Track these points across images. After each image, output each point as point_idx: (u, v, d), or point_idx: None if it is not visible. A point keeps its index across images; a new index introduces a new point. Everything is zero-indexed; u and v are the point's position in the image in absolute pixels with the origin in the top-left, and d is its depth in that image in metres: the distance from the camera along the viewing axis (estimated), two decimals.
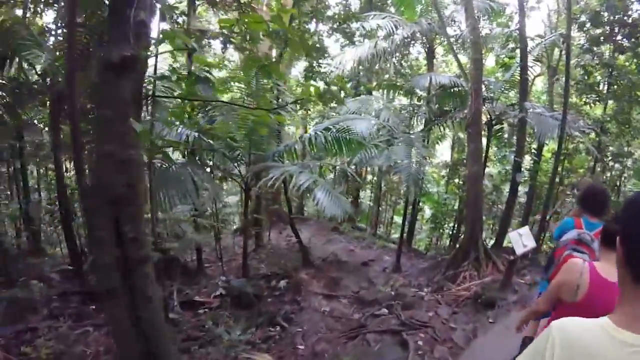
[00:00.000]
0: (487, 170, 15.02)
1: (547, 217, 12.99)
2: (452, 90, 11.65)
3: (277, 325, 8.07)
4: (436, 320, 7.59)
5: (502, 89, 12.01)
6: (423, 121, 12.85)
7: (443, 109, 12.22)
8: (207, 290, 9.44)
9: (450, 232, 16.16)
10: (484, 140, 12.82)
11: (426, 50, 14.70)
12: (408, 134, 11.00)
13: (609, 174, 14.50)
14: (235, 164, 9.27)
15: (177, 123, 7.70)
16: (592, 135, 13.47)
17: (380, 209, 19.56)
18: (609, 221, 2.86)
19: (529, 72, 12.20)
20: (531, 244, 7.28)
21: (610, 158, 14.18)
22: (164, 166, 7.56)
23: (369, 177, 20.00)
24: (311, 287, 10.40)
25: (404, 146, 10.10)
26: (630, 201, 1.33)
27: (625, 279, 1.28)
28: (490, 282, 8.68)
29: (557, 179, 14.09)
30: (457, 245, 10.44)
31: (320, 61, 14.71)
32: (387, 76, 17.01)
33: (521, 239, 7.15)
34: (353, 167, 14.37)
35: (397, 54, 15.02)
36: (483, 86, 11.92)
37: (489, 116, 12.14)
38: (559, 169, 14.10)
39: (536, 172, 12.50)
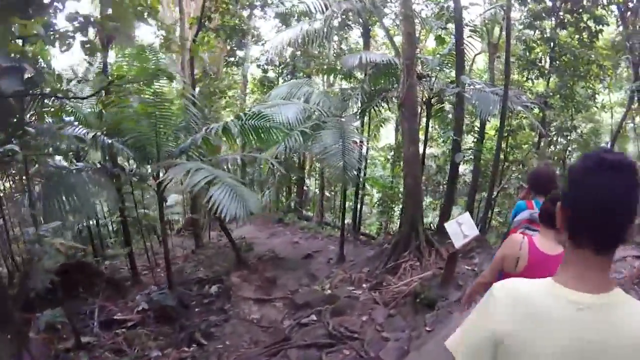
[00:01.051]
0: (431, 151, 14.01)
1: (495, 195, 12.12)
2: (387, 69, 10.38)
3: (196, 342, 6.82)
4: (369, 326, 6.57)
5: (440, 65, 10.85)
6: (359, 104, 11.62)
7: (377, 89, 10.95)
8: (133, 304, 8.28)
9: (399, 215, 15.05)
10: (424, 120, 11.81)
11: (361, 30, 13.37)
12: (339, 117, 9.74)
13: (554, 149, 13.58)
14: (145, 163, 7.90)
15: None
16: (536, 110, 12.51)
17: (328, 195, 18.33)
18: (546, 201, 2.89)
19: (469, 48, 11.26)
20: (473, 232, 6.22)
21: (554, 133, 13.31)
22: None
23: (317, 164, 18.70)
24: (242, 292, 9.34)
25: (333, 131, 8.86)
26: (571, 173, 1.34)
27: (568, 242, 1.32)
28: (431, 276, 7.63)
29: (502, 156, 13.26)
30: (398, 233, 9.28)
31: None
32: (327, 60, 15.65)
33: (461, 229, 6.05)
34: (294, 154, 13.10)
35: (336, 36, 13.69)
36: (419, 63, 10.86)
37: (427, 95, 10.99)
38: (504, 145, 13.24)
39: (479, 151, 11.48)
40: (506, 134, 13.19)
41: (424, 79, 10.79)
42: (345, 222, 12.82)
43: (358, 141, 9.48)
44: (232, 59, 12.53)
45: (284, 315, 8.15)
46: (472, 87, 10.63)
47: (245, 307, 8.59)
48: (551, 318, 1.22)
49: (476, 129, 13.10)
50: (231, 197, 6.50)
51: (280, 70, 16.29)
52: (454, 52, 10.24)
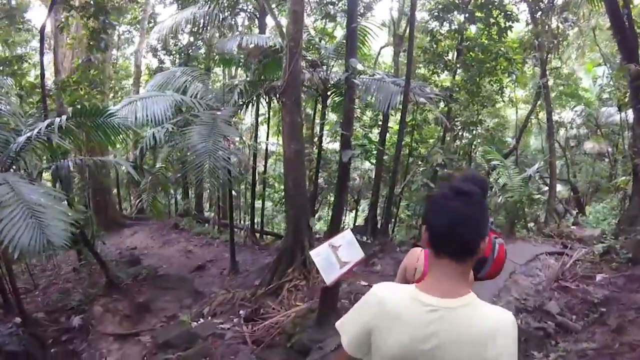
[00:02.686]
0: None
1: (400, 190, 11.03)
2: (276, 55, 8.49)
3: None
4: None
5: (337, 53, 9.12)
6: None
7: (264, 79, 9.04)
8: None
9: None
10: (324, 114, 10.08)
11: (257, 15, 11.35)
12: (215, 111, 7.74)
13: (459, 143, 12.33)
14: None
15: None
16: (442, 105, 11.09)
17: (234, 193, 16.23)
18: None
19: (372, 38, 9.68)
20: (354, 256, 4.45)
21: (460, 127, 12.04)
22: None
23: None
24: (103, 325, 7.23)
25: (202, 127, 6.92)
26: (430, 199, 1.62)
27: (430, 255, 1.49)
28: (306, 310, 5.81)
29: (407, 151, 11.85)
30: (282, 244, 7.48)
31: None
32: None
33: (336, 254, 4.26)
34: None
35: (229, 22, 11.62)
36: (315, 51, 9.09)
37: (322, 85, 9.23)
38: (408, 140, 11.83)
39: (382, 144, 9.94)
40: (411, 128, 11.84)
41: (319, 68, 9.01)
42: (247, 223, 11.00)
43: (237, 138, 7.51)
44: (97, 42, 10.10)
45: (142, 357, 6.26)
46: (372, 77, 9.01)
47: (104, 347, 6.66)
48: (402, 317, 1.40)
49: (379, 122, 11.53)
50: (25, 223, 4.37)
51: (174, 60, 13.96)
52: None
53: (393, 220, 12.64)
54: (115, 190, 14.71)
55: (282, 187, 14.41)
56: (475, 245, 1.42)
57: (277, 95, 7.42)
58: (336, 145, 13.53)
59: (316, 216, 14.31)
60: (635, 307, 5.83)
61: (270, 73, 9.23)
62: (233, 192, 15.90)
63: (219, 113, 7.53)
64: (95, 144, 9.36)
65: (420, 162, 11.63)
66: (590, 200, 17.09)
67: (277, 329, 5.59)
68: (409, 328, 1.37)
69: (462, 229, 1.40)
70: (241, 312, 6.72)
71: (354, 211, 15.64)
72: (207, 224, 13.76)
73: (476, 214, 1.44)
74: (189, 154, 6.99)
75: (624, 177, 11.11)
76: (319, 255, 4.17)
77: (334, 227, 7.35)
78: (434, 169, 10.18)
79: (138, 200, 9.64)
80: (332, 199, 14.55)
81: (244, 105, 8.78)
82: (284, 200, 14.05)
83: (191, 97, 8.23)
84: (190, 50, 12.91)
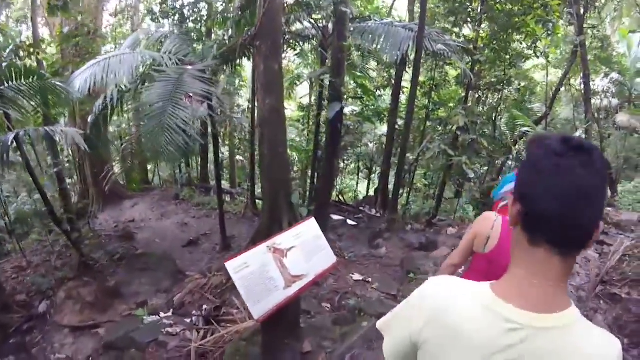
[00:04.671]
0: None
1: (415, 158, 9.27)
2: None
3: None
4: None
5: None
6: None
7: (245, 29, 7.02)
8: None
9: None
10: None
11: None
12: (187, 65, 5.84)
13: (482, 108, 10.16)
14: None
15: None
16: (466, 60, 8.90)
17: (243, 159, 14.52)
18: None
19: None
20: (318, 263, 2.69)
21: (484, 89, 9.87)
22: None
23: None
24: (63, 314, 5.65)
25: (163, 84, 5.10)
26: (530, 158, 0.96)
27: (520, 241, 0.95)
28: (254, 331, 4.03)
29: (424, 114, 9.82)
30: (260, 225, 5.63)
31: None
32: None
33: (280, 264, 2.45)
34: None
35: None
36: None
37: (321, 36, 7.17)
38: (426, 102, 9.77)
39: (395, 105, 7.93)
40: (429, 89, 9.75)
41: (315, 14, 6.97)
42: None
43: (213, 99, 5.61)
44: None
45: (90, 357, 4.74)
46: (378, 21, 6.94)
47: (57, 340, 5.18)
48: (468, 335, 0.93)
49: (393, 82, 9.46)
50: None
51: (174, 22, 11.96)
52: None
53: (407, 191, 10.73)
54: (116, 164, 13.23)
55: (296, 154, 12.77)
56: (593, 231, 0.89)
57: (250, 40, 5.47)
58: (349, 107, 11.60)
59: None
60: None
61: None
62: (224, 154, 14.37)
63: (188, 68, 5.65)
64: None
65: (438, 127, 9.57)
66: (620, 178, 14.68)
67: (227, 343, 3.85)
68: (476, 351, 0.91)
69: (582, 206, 0.87)
70: (205, 307, 5.03)
71: (367, 181, 13.68)
72: (205, 196, 12.09)
73: (602, 184, 0.89)
74: (142, 116, 5.21)
75: None
76: (245, 267, 2.32)
77: (321, 203, 5.49)
78: (455, 134, 8.17)
79: (109, 173, 7.97)
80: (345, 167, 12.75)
81: (226, 61, 6.81)
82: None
83: (165, 53, 6.37)
84: (187, 10, 10.91)
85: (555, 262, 0.91)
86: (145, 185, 13.39)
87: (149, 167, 14.13)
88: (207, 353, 3.91)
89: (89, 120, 6.44)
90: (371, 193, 12.19)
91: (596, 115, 15.05)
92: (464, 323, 0.93)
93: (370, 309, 4.18)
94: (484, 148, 9.06)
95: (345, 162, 11.69)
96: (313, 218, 2.75)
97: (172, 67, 5.83)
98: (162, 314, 5.32)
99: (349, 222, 8.39)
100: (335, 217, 8.49)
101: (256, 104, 7.21)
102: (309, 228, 2.68)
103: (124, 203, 12.31)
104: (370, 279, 5.33)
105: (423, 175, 11.80)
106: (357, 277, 5.33)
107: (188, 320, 4.98)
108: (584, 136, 10.15)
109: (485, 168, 10.15)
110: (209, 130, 9.17)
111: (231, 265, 2.22)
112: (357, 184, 13.58)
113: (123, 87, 5.86)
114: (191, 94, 5.22)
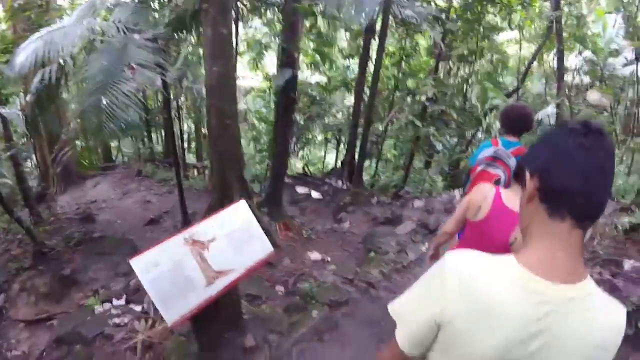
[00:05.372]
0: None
1: (383, 128, 8.96)
2: None
3: None
4: None
5: None
6: None
7: None
8: None
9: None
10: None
11: None
12: (136, 34, 5.19)
13: (453, 80, 9.80)
14: None
15: None
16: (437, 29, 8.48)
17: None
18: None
19: None
20: (249, 254, 2.47)
21: (455, 61, 9.49)
22: None
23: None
24: (17, 307, 5.07)
25: (107, 55, 4.51)
26: (550, 137, 1.02)
27: (538, 215, 0.98)
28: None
29: (393, 84, 9.42)
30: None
31: None
32: None
33: (199, 259, 2.06)
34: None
35: None
36: None
37: None
38: (395, 72, 9.34)
39: (361, 74, 7.45)
40: (399, 58, 9.29)
41: None
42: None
43: (168, 70, 5.00)
44: None
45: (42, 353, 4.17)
46: None
47: (12, 336, 4.65)
48: (499, 309, 0.92)
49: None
50: None
51: None
52: None
53: (376, 161, 10.42)
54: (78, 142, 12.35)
55: (263, 125, 12.20)
56: (606, 203, 0.98)
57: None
58: (316, 76, 11.02)
59: (296, 157, 12.03)
60: None
61: None
62: (189, 127, 13.65)
63: (136, 36, 5.02)
64: None
65: (407, 97, 9.17)
66: None
67: (174, 334, 3.48)
68: (508, 324, 0.92)
69: (602, 183, 0.95)
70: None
71: (336, 152, 13.19)
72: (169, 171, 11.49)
73: (613, 164, 0.98)
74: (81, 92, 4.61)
75: None
76: (156, 265, 1.92)
77: (275, 176, 5.06)
78: (423, 104, 7.79)
79: (59, 154, 7.31)
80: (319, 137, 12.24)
81: (180, 28, 6.11)
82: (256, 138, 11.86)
83: (113, 22, 5.67)
84: None
85: (576, 234, 0.95)
86: (107, 164, 12.58)
87: (112, 144, 13.36)
88: (154, 345, 3.54)
89: (28, 99, 5.76)
90: (340, 165, 11.82)
91: (567, 91, 14.91)
92: (495, 295, 0.92)
93: (324, 295, 3.83)
94: (453, 120, 8.75)
95: (312, 133, 11.21)
96: (243, 201, 2.32)
97: (117, 37, 5.20)
98: (115, 301, 4.89)
99: (314, 195, 8.01)
100: (300, 190, 8.11)
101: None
102: (239, 213, 2.27)
103: (85, 183, 11.61)
104: (329, 258, 4.99)
105: (393, 146, 11.46)
106: (315, 256, 4.97)
107: (139, 308, 4.58)
108: (555, 111, 9.95)
109: (455, 139, 9.89)
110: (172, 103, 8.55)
111: (138, 264, 1.81)
112: (325, 155, 13.11)
113: (63, 62, 5.21)
114: (134, 65, 4.64)
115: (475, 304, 0.93)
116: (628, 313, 1.01)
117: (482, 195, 2.22)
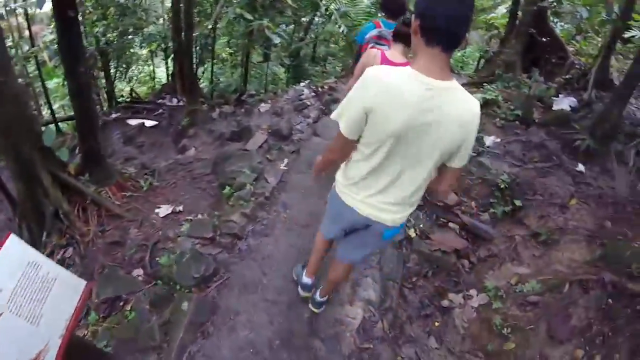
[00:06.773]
0: None
1: (211, 26, 7.64)
2: None
3: None
4: None
5: None
6: None
7: None
8: None
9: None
10: None
11: None
12: None
13: None
14: None
15: None
16: None
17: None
18: (400, 23, 2.87)
19: None
20: (58, 318, 1.57)
21: None
22: None
23: None
24: None
25: None
26: None
27: (420, 45, 1.46)
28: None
29: None
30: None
31: None
32: None
33: None
34: None
35: None
36: None
37: None
38: None
39: None
40: None
41: None
42: None
43: None
44: None
45: None
46: None
47: None
48: (405, 95, 1.43)
49: None
50: None
51: None
52: None
53: (211, 63, 9.39)
54: None
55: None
56: (463, 39, 1.45)
57: None
58: None
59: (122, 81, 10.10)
60: (555, 200, 3.97)
61: None
62: None
63: None
64: None
65: None
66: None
67: None
68: (411, 103, 1.43)
69: (462, 24, 1.41)
70: None
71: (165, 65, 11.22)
72: None
73: (472, 11, 1.43)
74: None
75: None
76: None
77: (84, 128, 3.87)
78: None
79: None
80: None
81: None
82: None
83: None
84: None
85: (443, 56, 1.44)
86: None
87: None
88: None
89: None
90: (171, 79, 10.24)
91: None
92: (401, 86, 1.43)
93: (186, 274, 3.04)
94: (287, 6, 7.93)
95: (135, 47, 9.34)
96: (12, 235, 1.45)
97: None
98: None
99: (148, 124, 6.83)
100: (132, 122, 6.87)
101: None
102: (11, 254, 1.49)
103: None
104: (180, 208, 4.30)
105: (227, 43, 10.25)
106: (164, 210, 4.22)
107: None
108: None
109: (292, 27, 9.17)
110: None
111: None
112: (154, 71, 11.12)
113: None
114: None
115: (388, 93, 1.43)
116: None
117: (372, 56, 2.89)
